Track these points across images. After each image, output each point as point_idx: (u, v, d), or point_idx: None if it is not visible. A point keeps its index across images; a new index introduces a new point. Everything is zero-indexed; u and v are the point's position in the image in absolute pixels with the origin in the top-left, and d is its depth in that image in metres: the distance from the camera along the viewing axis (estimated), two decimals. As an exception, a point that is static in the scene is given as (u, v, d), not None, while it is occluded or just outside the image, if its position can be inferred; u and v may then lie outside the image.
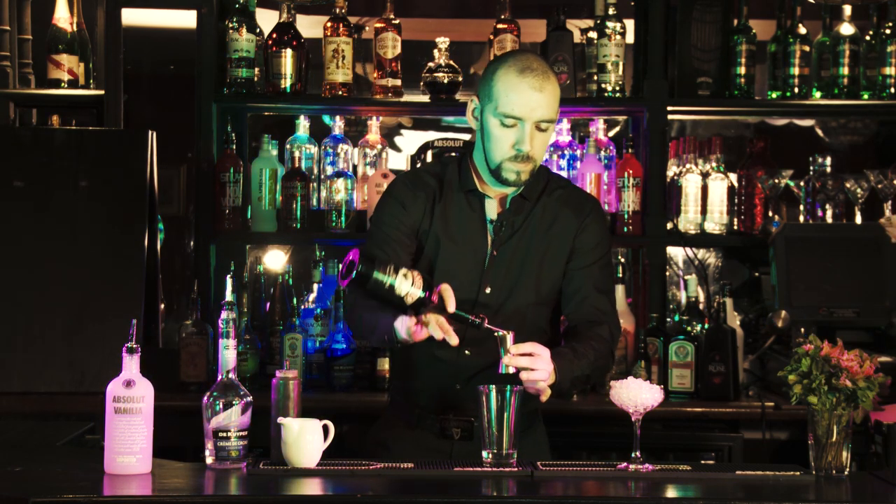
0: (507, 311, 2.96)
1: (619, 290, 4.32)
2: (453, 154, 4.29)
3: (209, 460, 2.63)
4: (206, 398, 2.63)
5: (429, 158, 4.36)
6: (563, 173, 4.34)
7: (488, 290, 2.97)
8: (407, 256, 2.98)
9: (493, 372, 2.80)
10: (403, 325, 2.75)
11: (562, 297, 3.02)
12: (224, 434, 2.62)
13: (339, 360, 4.13)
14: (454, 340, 2.70)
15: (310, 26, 4.57)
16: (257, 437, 2.73)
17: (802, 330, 3.97)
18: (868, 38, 4.49)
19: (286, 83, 4.32)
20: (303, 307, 4.25)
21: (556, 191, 3.04)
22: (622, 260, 4.57)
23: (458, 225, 2.99)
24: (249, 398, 2.65)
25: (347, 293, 3.05)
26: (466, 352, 2.96)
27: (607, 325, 2.96)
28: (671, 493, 2.54)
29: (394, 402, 3.14)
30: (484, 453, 2.70)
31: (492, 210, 3.00)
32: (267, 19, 4.48)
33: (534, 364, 2.72)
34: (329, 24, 4.35)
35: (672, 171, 4.47)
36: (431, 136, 4.71)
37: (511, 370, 2.72)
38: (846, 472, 2.66)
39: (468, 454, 2.91)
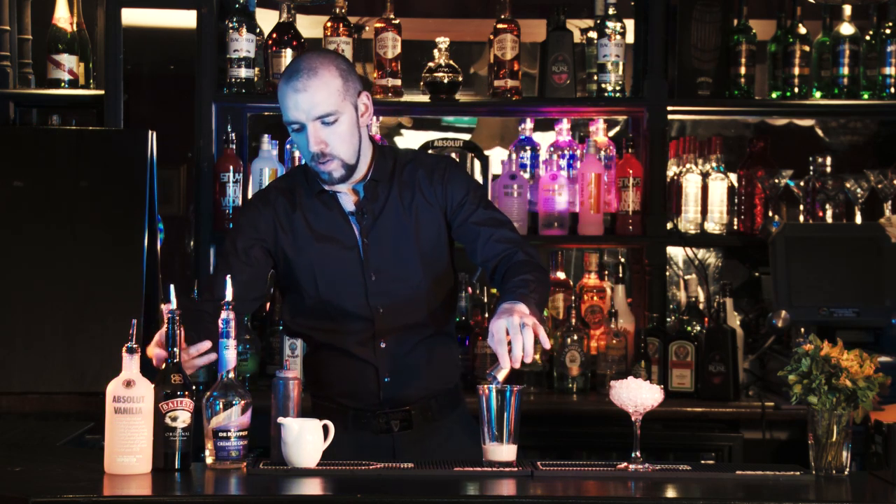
0: (400, 291, 2.99)
1: (619, 290, 4.33)
2: (444, 151, 4.35)
3: (209, 460, 2.63)
4: (206, 398, 2.63)
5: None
6: (563, 173, 4.34)
7: (374, 278, 2.99)
8: (245, 265, 3.00)
9: (418, 359, 2.94)
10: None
11: (468, 253, 3.04)
12: (224, 434, 2.62)
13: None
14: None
15: (310, 26, 4.57)
16: (257, 437, 2.73)
17: (802, 330, 3.98)
18: (868, 38, 4.49)
19: (286, 83, 4.31)
20: (303, 307, 4.25)
21: (407, 165, 3.06)
22: (622, 260, 4.58)
23: (322, 226, 3.01)
24: (249, 398, 2.64)
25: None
26: (382, 344, 2.99)
27: (520, 251, 2.95)
28: (671, 493, 2.54)
29: (319, 407, 3.08)
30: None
31: (348, 202, 3.02)
32: (267, 19, 4.48)
33: (525, 336, 2.66)
34: (329, 24, 4.35)
35: (672, 171, 4.47)
36: (431, 136, 4.71)
37: (503, 373, 2.70)
38: (846, 472, 2.66)
39: (412, 444, 2.97)
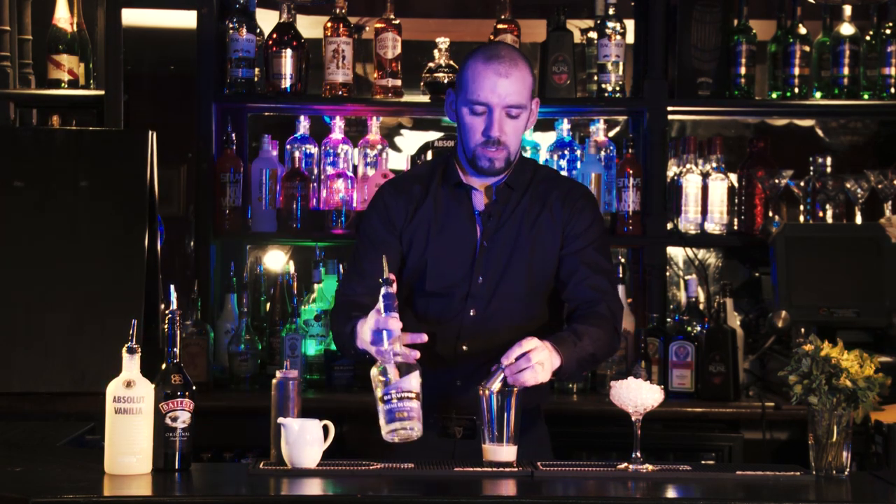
0: (499, 300, 2.99)
1: (620, 290, 4.32)
2: (443, 152, 4.33)
3: (385, 432, 2.67)
4: (374, 372, 2.68)
5: (429, 158, 4.36)
6: (564, 173, 4.33)
7: (480, 281, 2.99)
8: (395, 258, 3.02)
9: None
10: (364, 335, 2.79)
11: (558, 284, 3.04)
12: (393, 398, 2.67)
13: (338, 359, 4.13)
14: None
15: (310, 26, 4.57)
16: (257, 437, 2.73)
17: (802, 330, 3.97)
18: (868, 38, 4.49)
19: (286, 83, 4.32)
20: (303, 307, 4.25)
21: (544, 181, 3.08)
22: (622, 260, 4.58)
23: (447, 219, 3.03)
24: (417, 366, 2.70)
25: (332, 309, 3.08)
26: (464, 347, 2.98)
27: (605, 303, 2.96)
28: (671, 493, 2.54)
29: None
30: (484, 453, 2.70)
31: (479, 202, 3.04)
32: (267, 19, 4.48)
33: (533, 367, 2.71)
34: (329, 24, 4.35)
35: (672, 171, 4.47)
36: (431, 136, 4.71)
37: (495, 387, 2.72)
38: (846, 472, 2.66)
39: (471, 453, 2.90)
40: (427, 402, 2.99)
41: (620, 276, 4.37)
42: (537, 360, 2.71)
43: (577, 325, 2.89)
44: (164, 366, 2.61)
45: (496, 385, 2.71)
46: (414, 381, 2.67)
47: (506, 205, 3.02)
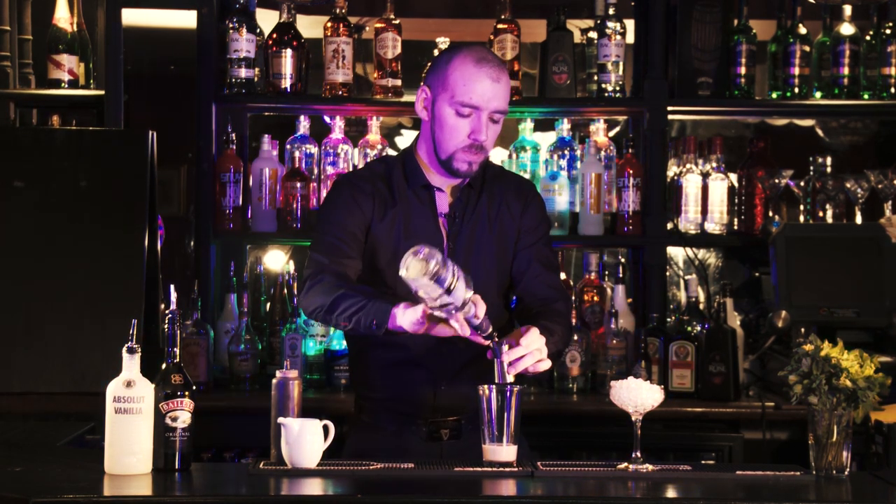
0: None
1: (620, 290, 4.33)
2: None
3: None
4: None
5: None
6: (564, 173, 4.35)
7: None
8: (359, 251, 2.96)
9: (476, 368, 2.83)
10: (408, 317, 2.69)
11: (511, 278, 3.05)
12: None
13: (339, 360, 4.13)
14: (466, 331, 2.69)
15: (310, 26, 4.57)
16: (257, 437, 2.73)
17: (802, 330, 3.98)
18: (868, 38, 4.49)
19: (286, 83, 4.32)
20: (303, 307, 4.25)
21: (495, 177, 3.07)
22: (622, 260, 4.58)
23: (415, 222, 2.98)
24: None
25: (312, 273, 2.90)
26: (444, 351, 2.96)
27: (561, 301, 3.01)
28: (671, 493, 2.54)
29: (367, 410, 3.05)
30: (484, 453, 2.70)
31: (442, 203, 3.01)
32: (267, 19, 4.48)
33: (534, 356, 2.72)
34: (329, 24, 4.35)
35: (672, 171, 4.47)
36: (431, 136, 4.69)
37: (510, 378, 2.72)
38: (846, 472, 2.66)
39: (458, 453, 2.92)
40: (410, 407, 2.98)
41: (620, 275, 4.38)
42: (536, 347, 2.72)
43: (544, 322, 2.87)
44: (164, 366, 2.61)
45: (509, 377, 2.69)
46: (461, 293, 2.60)
47: (467, 205, 3.01)
